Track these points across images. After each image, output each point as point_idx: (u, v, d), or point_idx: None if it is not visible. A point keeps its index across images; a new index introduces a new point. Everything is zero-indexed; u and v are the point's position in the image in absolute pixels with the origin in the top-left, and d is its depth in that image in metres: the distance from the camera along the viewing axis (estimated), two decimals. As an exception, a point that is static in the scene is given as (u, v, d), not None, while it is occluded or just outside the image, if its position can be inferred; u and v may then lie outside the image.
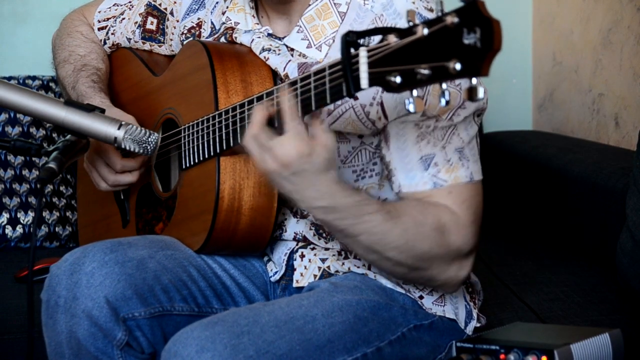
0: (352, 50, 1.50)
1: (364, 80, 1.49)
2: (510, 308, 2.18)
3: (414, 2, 1.81)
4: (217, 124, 1.84)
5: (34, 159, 2.85)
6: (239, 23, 1.97)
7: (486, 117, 3.15)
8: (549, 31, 3.33)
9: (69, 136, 1.91)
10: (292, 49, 1.89)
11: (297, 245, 1.94)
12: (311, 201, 1.64)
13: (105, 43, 2.26)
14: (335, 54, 1.82)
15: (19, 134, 2.85)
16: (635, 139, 2.43)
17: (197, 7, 2.09)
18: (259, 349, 1.65)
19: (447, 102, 1.43)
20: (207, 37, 2.04)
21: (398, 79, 1.44)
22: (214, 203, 1.84)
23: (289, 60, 1.88)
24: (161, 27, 2.17)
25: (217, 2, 2.04)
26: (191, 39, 2.08)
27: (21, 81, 2.93)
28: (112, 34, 2.25)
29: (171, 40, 2.16)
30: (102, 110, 1.92)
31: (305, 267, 1.93)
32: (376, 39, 1.50)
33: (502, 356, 1.67)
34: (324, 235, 1.92)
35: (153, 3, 2.17)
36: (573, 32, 3.16)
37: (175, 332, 1.71)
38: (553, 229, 2.74)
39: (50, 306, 1.80)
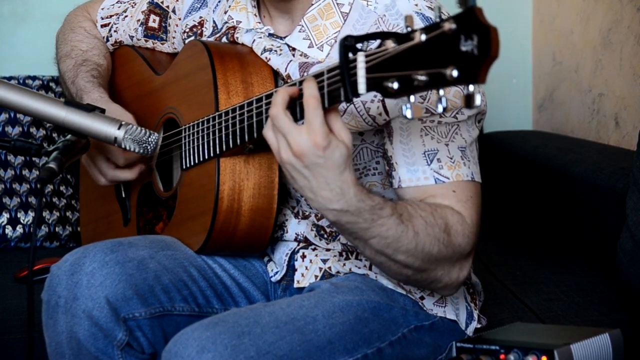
0: (350, 55, 1.50)
1: (361, 86, 1.48)
2: (510, 308, 2.18)
3: (416, 4, 1.80)
4: (217, 124, 1.84)
5: (34, 159, 2.85)
6: (240, 22, 1.97)
7: (486, 117, 3.15)
8: (549, 31, 3.33)
9: (69, 136, 1.91)
10: (294, 49, 1.89)
11: (298, 245, 1.94)
12: (325, 202, 1.60)
13: (107, 40, 2.27)
14: (337, 55, 1.82)
15: (19, 134, 2.85)
16: (635, 139, 2.43)
17: (199, 6, 2.09)
18: (259, 350, 1.65)
19: (445, 109, 1.43)
20: (208, 36, 2.04)
21: (395, 85, 1.43)
22: (213, 204, 1.84)
23: (290, 61, 1.88)
24: (163, 24, 2.17)
25: (219, 1, 2.04)
26: (193, 37, 2.08)
27: (21, 81, 2.93)
28: (115, 31, 2.25)
29: (173, 38, 2.16)
30: (103, 110, 1.92)
31: (307, 268, 1.93)
32: (374, 42, 1.49)
33: (502, 356, 1.67)
34: (325, 236, 1.92)
35: (155, 1, 2.17)
36: (573, 32, 3.16)
37: (175, 332, 1.71)
38: (553, 229, 2.74)
39: (50, 306, 1.80)
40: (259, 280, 1.99)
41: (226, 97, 1.86)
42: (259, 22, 1.95)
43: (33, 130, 2.87)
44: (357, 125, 1.82)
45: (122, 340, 1.79)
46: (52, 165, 1.80)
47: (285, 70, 1.87)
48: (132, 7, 2.23)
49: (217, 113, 1.85)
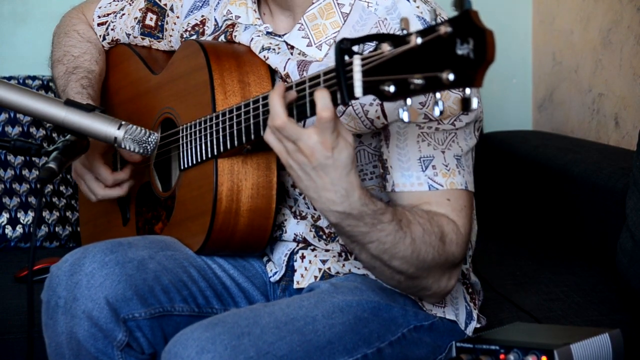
0: (347, 58, 1.50)
1: (357, 89, 1.48)
2: (510, 308, 2.18)
3: (418, 6, 1.80)
4: (214, 125, 1.84)
5: (34, 159, 2.85)
6: (239, 17, 1.96)
7: (486, 117, 3.15)
8: (549, 31, 3.33)
9: (69, 136, 1.91)
10: (292, 47, 1.89)
11: (297, 246, 1.94)
12: (328, 204, 1.60)
13: (104, 39, 2.26)
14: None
15: (19, 134, 2.85)
16: (635, 139, 2.43)
17: (200, 5, 2.09)
18: (259, 350, 1.65)
19: (441, 112, 1.42)
20: (210, 34, 2.04)
21: (392, 88, 1.43)
22: (211, 205, 1.84)
23: (289, 59, 1.88)
24: (160, 23, 2.17)
25: (220, -1, 2.04)
26: (194, 36, 2.07)
27: (21, 81, 2.93)
28: (112, 29, 2.25)
29: (170, 36, 2.16)
30: (103, 110, 1.92)
31: (306, 269, 1.93)
32: (370, 46, 1.49)
33: (502, 356, 1.67)
34: (324, 237, 1.92)
35: (153, -2, 2.18)
36: (573, 32, 3.16)
37: (175, 333, 1.71)
38: (553, 229, 2.74)
39: (50, 307, 1.80)
40: (258, 281, 1.99)
41: (223, 97, 1.86)
42: (259, 19, 1.95)
43: (33, 130, 2.87)
44: (356, 127, 1.82)
45: (122, 340, 1.79)
46: (52, 165, 1.80)
47: (284, 69, 1.87)
48: (130, 4, 2.22)
49: (214, 114, 1.84)
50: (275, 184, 1.86)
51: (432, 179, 1.77)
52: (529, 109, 3.47)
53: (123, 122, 1.90)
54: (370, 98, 1.77)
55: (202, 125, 1.87)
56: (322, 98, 1.53)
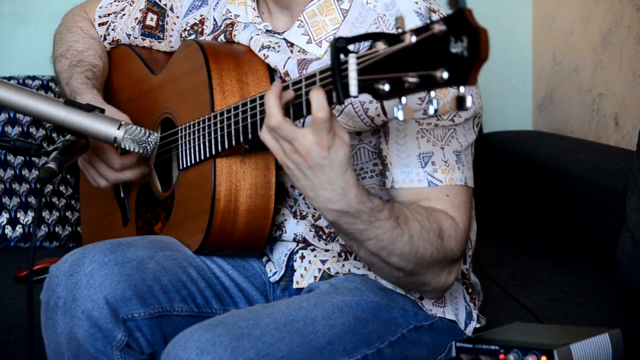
0: (342, 57, 1.50)
1: (353, 88, 1.48)
2: (510, 308, 2.18)
3: (416, 2, 1.80)
4: (212, 125, 1.84)
5: (34, 159, 2.85)
6: (238, 15, 1.96)
7: (486, 117, 3.15)
8: (549, 31, 3.32)
9: (68, 136, 1.91)
10: (292, 45, 1.89)
11: (297, 246, 1.94)
12: (325, 202, 1.61)
13: (105, 39, 2.26)
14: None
15: (19, 134, 2.85)
16: (635, 139, 2.43)
17: (199, 4, 2.09)
18: (259, 352, 1.65)
19: (436, 110, 1.43)
20: (209, 34, 2.04)
21: (386, 87, 1.43)
22: (210, 205, 1.84)
23: (289, 57, 1.88)
24: (160, 23, 2.17)
25: (219, -1, 2.04)
26: (193, 36, 2.08)
27: (21, 81, 2.93)
28: (112, 29, 2.25)
29: (171, 36, 2.16)
30: (102, 110, 1.92)
31: (305, 269, 1.93)
32: (367, 44, 1.49)
33: (501, 356, 1.67)
34: (324, 236, 1.92)
35: (154, -1, 2.18)
36: (573, 32, 3.16)
37: (174, 333, 1.71)
38: (553, 229, 2.74)
39: (49, 307, 1.80)
40: (257, 281, 1.99)
41: (222, 97, 1.86)
42: (258, 17, 1.95)
43: (33, 130, 2.87)
44: (355, 125, 1.82)
45: (122, 340, 1.79)
46: (51, 165, 1.80)
47: (284, 68, 1.87)
48: (130, 5, 2.22)
49: (212, 114, 1.85)
50: (274, 184, 1.86)
51: (431, 175, 1.77)
52: (528, 109, 3.47)
53: (123, 122, 1.90)
54: (368, 96, 1.78)
55: (201, 125, 1.87)
56: (318, 98, 1.53)
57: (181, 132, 1.94)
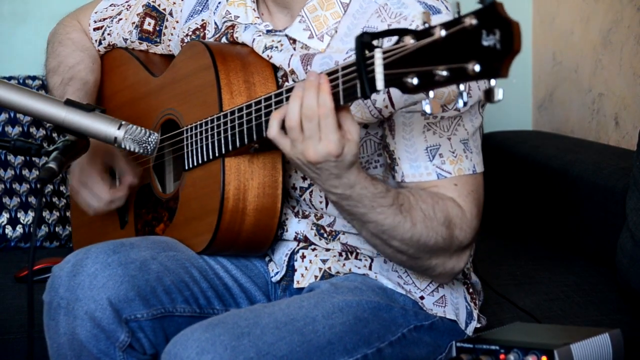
0: (367, 52, 1.51)
1: (379, 82, 1.50)
2: (510, 308, 2.18)
3: None
4: (222, 125, 1.84)
5: (34, 159, 2.85)
6: (238, 17, 1.96)
7: (486, 117, 3.13)
8: (549, 31, 3.33)
9: (68, 136, 1.91)
10: (294, 41, 1.89)
11: (298, 245, 1.94)
12: (330, 187, 1.66)
13: (100, 43, 2.26)
14: (338, 45, 1.83)
15: (19, 134, 2.85)
16: (635, 139, 2.43)
17: (200, 9, 2.08)
18: (259, 351, 1.65)
19: (465, 104, 1.45)
20: (210, 38, 2.04)
21: (415, 81, 1.45)
22: (219, 204, 1.84)
23: (292, 55, 1.88)
24: (158, 28, 2.17)
25: (219, 2, 2.04)
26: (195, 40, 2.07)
27: (21, 81, 2.93)
28: (108, 34, 2.24)
29: (169, 40, 2.16)
30: (103, 110, 1.92)
31: (306, 268, 1.93)
32: (390, 39, 1.50)
33: (502, 356, 1.67)
34: (325, 235, 1.92)
35: (152, 4, 2.17)
36: (573, 32, 3.16)
37: (177, 334, 1.71)
38: (553, 228, 2.74)
39: (52, 308, 1.80)
40: (260, 281, 1.99)
41: (229, 97, 1.87)
42: (258, 17, 1.95)
43: (33, 130, 2.87)
44: (363, 117, 1.83)
45: (124, 341, 1.79)
46: (52, 165, 1.79)
47: (289, 66, 1.87)
48: (127, 9, 2.22)
49: (221, 113, 1.85)
50: (281, 184, 1.87)
51: (439, 168, 1.79)
52: (529, 109, 3.47)
53: (123, 122, 1.89)
54: None
55: (209, 125, 1.87)
56: (321, 96, 1.59)
57: (187, 133, 1.94)
